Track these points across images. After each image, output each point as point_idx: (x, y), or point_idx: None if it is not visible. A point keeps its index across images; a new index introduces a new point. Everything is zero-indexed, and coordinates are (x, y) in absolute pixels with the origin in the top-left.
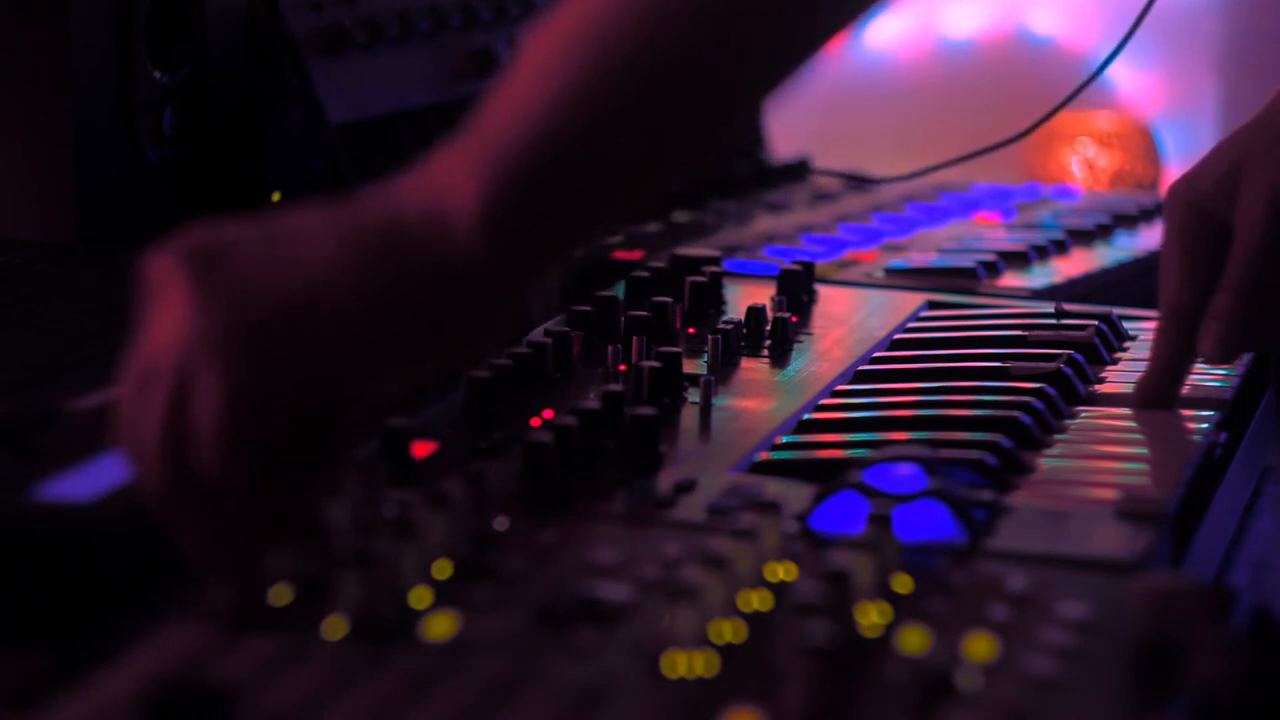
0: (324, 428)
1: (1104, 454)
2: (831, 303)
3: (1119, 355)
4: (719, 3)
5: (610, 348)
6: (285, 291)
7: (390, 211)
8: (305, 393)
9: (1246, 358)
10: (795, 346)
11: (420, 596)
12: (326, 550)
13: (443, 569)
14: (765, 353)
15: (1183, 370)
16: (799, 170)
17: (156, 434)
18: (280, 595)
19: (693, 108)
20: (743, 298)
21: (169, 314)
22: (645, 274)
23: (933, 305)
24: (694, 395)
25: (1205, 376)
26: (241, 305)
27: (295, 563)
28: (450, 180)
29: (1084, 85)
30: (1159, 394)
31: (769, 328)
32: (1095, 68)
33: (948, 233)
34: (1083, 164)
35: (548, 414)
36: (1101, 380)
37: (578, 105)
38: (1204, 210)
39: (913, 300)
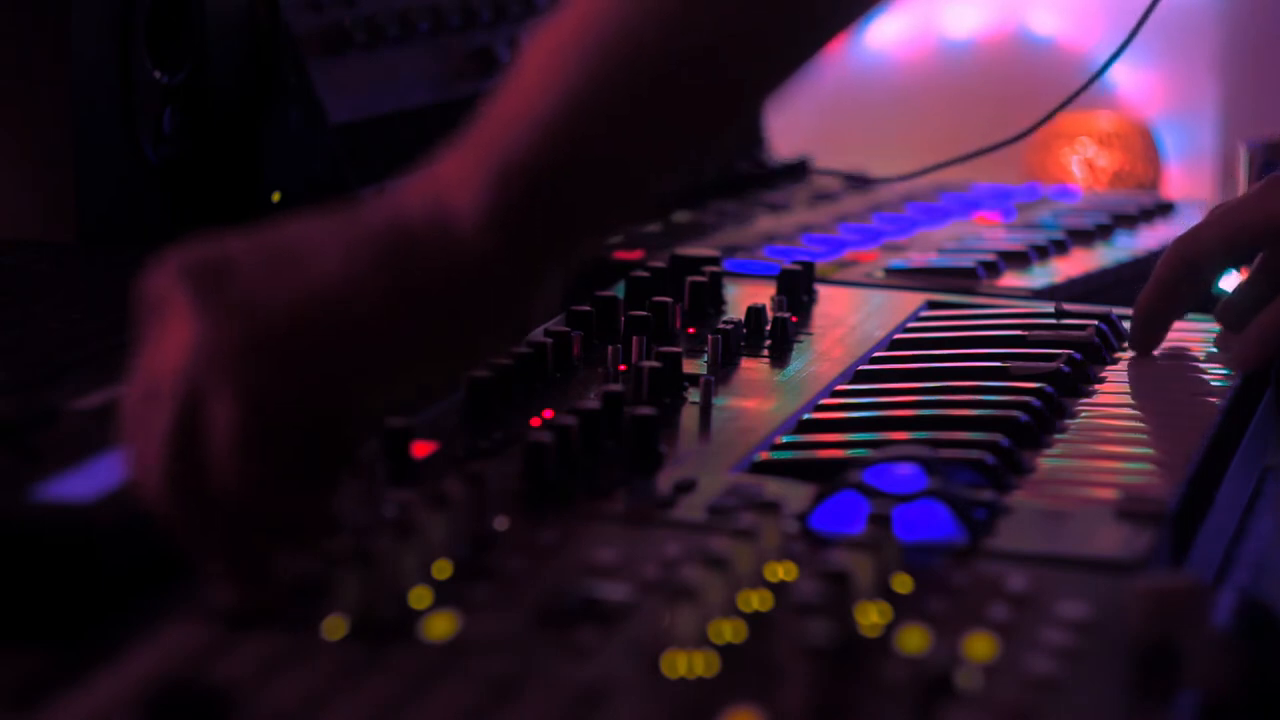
0: (337, 432)
1: (1104, 454)
2: (831, 303)
3: (1119, 355)
4: (720, 2)
5: (610, 348)
6: (292, 301)
7: (393, 214)
8: (319, 400)
9: None
10: (795, 346)
11: (420, 596)
12: (336, 548)
13: (443, 569)
14: (765, 353)
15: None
16: (799, 170)
17: (163, 451)
18: (280, 595)
19: (694, 108)
20: (743, 298)
21: (172, 332)
22: (645, 274)
23: (933, 305)
24: (694, 395)
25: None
26: (249, 318)
27: (296, 563)
28: (453, 181)
29: (1081, 89)
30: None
31: (769, 328)
32: (1095, 68)
33: (948, 233)
34: (1083, 164)
35: (548, 414)
36: (1101, 380)
37: (580, 105)
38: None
39: (913, 300)
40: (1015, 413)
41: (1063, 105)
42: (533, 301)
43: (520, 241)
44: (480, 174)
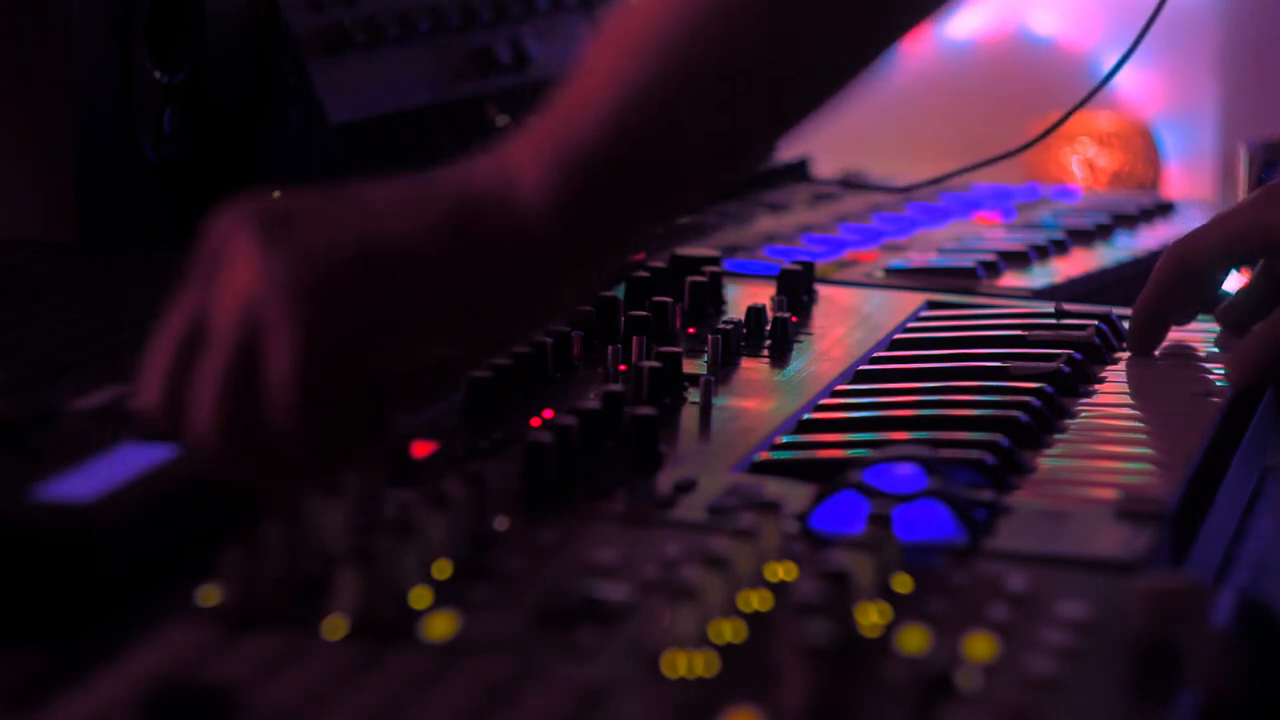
0: (390, 377)
1: (1104, 454)
2: (831, 303)
3: (1119, 355)
4: (774, 10)
5: (610, 348)
6: (356, 245)
7: (460, 182)
8: (377, 341)
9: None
10: (795, 346)
11: (420, 596)
12: (336, 548)
13: (443, 569)
14: (765, 353)
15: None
16: (799, 170)
17: (217, 388)
18: (280, 595)
19: (755, 107)
20: (743, 298)
21: (233, 273)
22: (645, 274)
23: (933, 305)
24: (694, 395)
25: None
26: (313, 258)
27: (296, 562)
28: (519, 162)
29: (1086, 98)
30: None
31: (769, 328)
32: (1095, 68)
33: (948, 233)
34: (1083, 164)
35: (548, 414)
36: (1101, 380)
37: (640, 105)
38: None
39: (913, 300)
40: (1015, 413)
41: (1068, 115)
42: (575, 289)
43: (578, 224)
44: (544, 156)
